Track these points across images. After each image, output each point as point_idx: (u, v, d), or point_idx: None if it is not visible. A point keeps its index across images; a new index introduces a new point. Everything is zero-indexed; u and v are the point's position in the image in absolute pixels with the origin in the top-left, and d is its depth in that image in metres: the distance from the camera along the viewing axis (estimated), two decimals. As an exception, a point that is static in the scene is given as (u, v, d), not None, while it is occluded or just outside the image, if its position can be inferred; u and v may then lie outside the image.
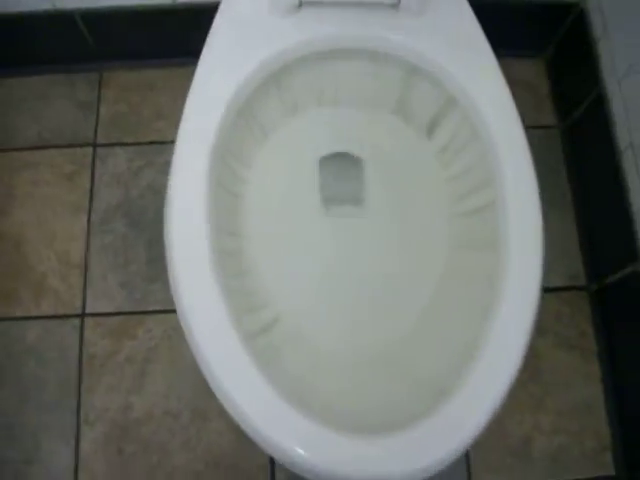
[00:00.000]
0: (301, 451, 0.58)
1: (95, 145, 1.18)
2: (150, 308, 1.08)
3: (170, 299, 0.67)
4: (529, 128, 1.16)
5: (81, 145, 1.18)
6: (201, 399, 1.02)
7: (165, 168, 0.97)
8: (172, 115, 1.14)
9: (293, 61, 0.77)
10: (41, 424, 1.02)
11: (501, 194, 0.69)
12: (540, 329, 1.05)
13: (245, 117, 0.81)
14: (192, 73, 0.75)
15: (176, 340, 1.05)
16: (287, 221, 0.85)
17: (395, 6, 0.74)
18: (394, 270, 0.83)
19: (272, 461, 1.00)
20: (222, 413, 0.62)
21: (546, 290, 1.08)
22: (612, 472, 1.01)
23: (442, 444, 0.59)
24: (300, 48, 0.75)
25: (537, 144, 1.16)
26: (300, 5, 0.74)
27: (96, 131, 1.19)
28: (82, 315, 1.08)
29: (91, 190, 1.15)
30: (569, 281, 1.10)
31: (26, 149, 1.18)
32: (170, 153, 0.71)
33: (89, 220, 1.13)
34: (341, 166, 0.90)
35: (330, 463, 0.58)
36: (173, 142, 0.71)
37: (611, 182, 1.01)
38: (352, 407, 0.70)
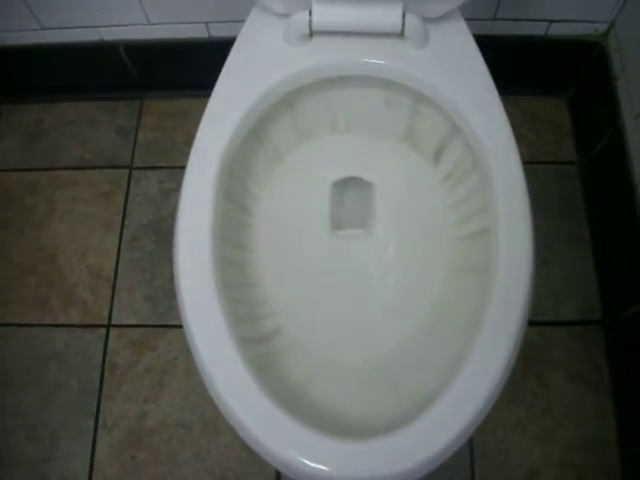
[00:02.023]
0: (293, 455, 0.60)
1: (131, 168, 1.26)
2: (171, 322, 1.13)
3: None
4: (550, 164, 1.21)
5: (118, 167, 1.27)
6: (213, 412, 1.05)
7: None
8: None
9: (304, 86, 0.81)
10: (61, 426, 1.07)
11: (494, 220, 0.71)
12: (553, 362, 1.06)
13: (259, 138, 0.86)
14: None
15: (193, 354, 1.10)
16: (295, 239, 0.89)
17: (400, 36, 0.78)
18: (394, 290, 0.86)
19: (278, 475, 1.02)
20: (232, 427, 0.65)
21: (562, 323, 1.09)
22: (620, 510, 0.99)
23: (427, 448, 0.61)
24: (310, 74, 0.80)
25: (557, 180, 1.20)
26: (311, 35, 0.80)
27: (133, 155, 1.27)
28: (108, 326, 1.13)
29: (124, 209, 1.23)
30: (585, 315, 1.10)
31: (69, 169, 1.27)
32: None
33: (121, 236, 1.20)
34: (352, 190, 0.93)
35: (320, 467, 0.60)
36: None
37: (627, 216, 1.01)
38: (346, 415, 0.73)
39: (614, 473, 1.00)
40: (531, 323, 1.06)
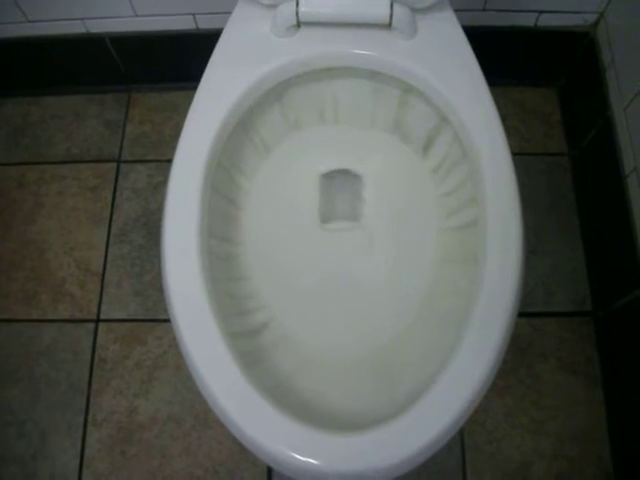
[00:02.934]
0: (283, 450, 0.60)
1: (119, 161, 1.25)
2: (160, 317, 1.12)
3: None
4: (540, 155, 1.21)
5: (106, 161, 1.25)
6: (203, 406, 1.04)
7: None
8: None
9: (292, 78, 0.81)
10: (50, 422, 1.06)
11: (483, 212, 0.71)
12: (544, 353, 1.07)
13: (247, 129, 0.85)
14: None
15: (183, 348, 1.09)
16: (284, 231, 0.89)
17: (388, 27, 0.77)
18: (385, 282, 0.85)
19: (270, 470, 1.02)
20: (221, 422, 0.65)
21: (552, 315, 1.09)
22: (612, 500, 1.00)
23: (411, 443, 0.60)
24: (298, 66, 0.79)
25: (548, 171, 1.19)
26: (299, 26, 0.79)
27: (121, 148, 1.26)
28: (97, 320, 1.13)
29: (112, 203, 1.22)
30: (576, 306, 1.10)
31: (57, 163, 1.26)
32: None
33: (109, 231, 1.19)
34: (341, 182, 0.93)
35: (311, 460, 0.60)
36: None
37: (617, 207, 1.02)
38: (333, 408, 0.73)
39: (605, 463, 1.01)
40: (522, 314, 1.08)
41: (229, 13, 0.83)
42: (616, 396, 1.03)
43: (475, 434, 1.02)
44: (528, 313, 1.09)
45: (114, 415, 1.06)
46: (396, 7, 0.75)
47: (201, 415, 1.05)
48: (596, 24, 1.10)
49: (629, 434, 0.99)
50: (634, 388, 0.98)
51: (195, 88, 0.79)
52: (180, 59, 1.21)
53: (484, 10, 1.09)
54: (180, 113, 1.24)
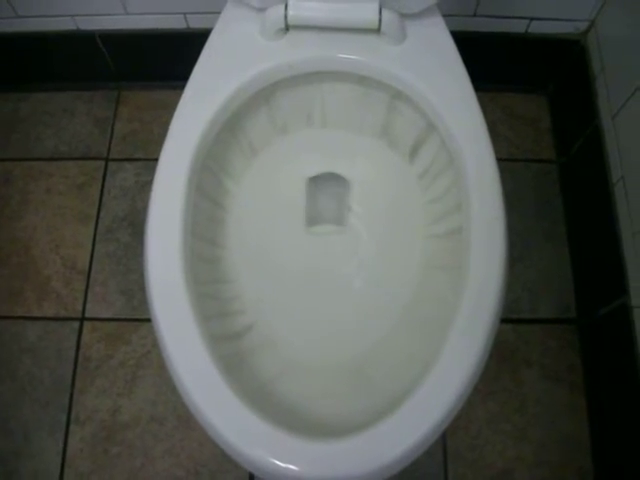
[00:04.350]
0: (263, 455, 0.60)
1: (107, 159, 1.25)
2: (145, 316, 1.11)
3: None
4: (528, 161, 1.21)
5: (94, 158, 1.25)
6: (187, 407, 1.04)
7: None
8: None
9: (280, 81, 0.80)
10: (33, 420, 1.06)
11: (467, 220, 0.71)
12: (528, 359, 1.07)
13: (234, 132, 0.85)
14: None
15: (168, 348, 1.09)
16: (270, 235, 0.88)
17: (377, 32, 0.77)
18: (368, 287, 0.85)
19: (252, 473, 1.02)
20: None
21: (537, 321, 1.10)
22: (593, 507, 1.00)
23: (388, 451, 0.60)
24: (285, 69, 0.79)
25: (535, 177, 1.20)
26: (287, 29, 0.79)
27: (109, 146, 1.26)
28: (81, 319, 1.12)
29: (100, 201, 1.21)
30: (561, 314, 1.10)
31: (44, 159, 1.25)
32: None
33: (96, 229, 1.19)
34: (328, 186, 0.93)
35: (291, 467, 0.60)
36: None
37: (603, 215, 1.02)
38: (315, 413, 0.73)
39: (586, 471, 1.01)
40: (507, 320, 1.08)
41: (220, 13, 0.82)
42: (598, 404, 1.03)
43: (457, 440, 1.02)
44: (513, 319, 1.09)
45: (97, 414, 1.06)
46: (385, 12, 0.75)
47: (184, 416, 1.05)
48: (587, 32, 1.10)
49: (610, 442, 1.00)
50: (616, 397, 0.99)
51: (184, 87, 0.79)
52: (170, 58, 1.20)
53: (475, 16, 1.09)
54: (170, 112, 1.20)
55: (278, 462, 0.59)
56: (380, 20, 0.75)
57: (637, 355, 0.90)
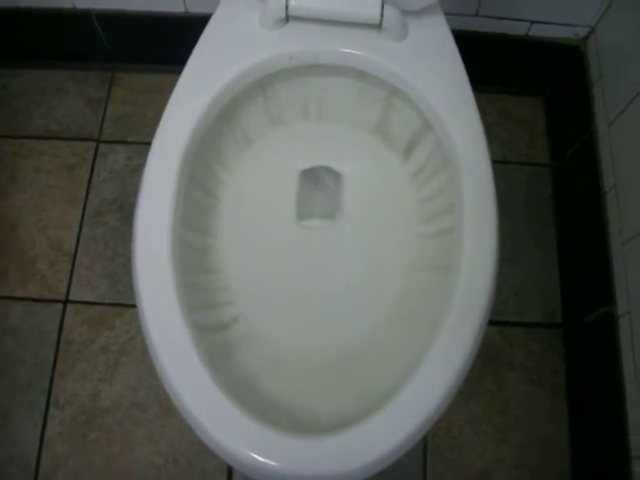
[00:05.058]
0: (242, 449, 0.59)
1: (98, 141, 1.23)
2: (130, 302, 1.10)
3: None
4: (522, 164, 1.21)
5: (85, 139, 1.23)
6: (168, 395, 1.04)
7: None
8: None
9: (278, 72, 0.80)
10: (12, 401, 1.05)
11: (460, 220, 0.70)
12: (512, 362, 1.07)
13: (229, 121, 0.84)
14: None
15: (152, 335, 1.08)
16: (260, 227, 0.88)
17: (378, 27, 0.76)
18: (357, 283, 0.85)
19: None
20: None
21: (523, 324, 1.10)
22: (570, 511, 1.01)
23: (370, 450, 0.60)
24: (284, 59, 0.78)
25: (528, 181, 1.20)
26: (287, 20, 0.78)
27: (101, 128, 1.24)
28: (65, 301, 1.11)
29: (89, 183, 1.20)
30: (546, 318, 1.11)
31: (34, 138, 1.24)
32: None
33: (84, 211, 1.18)
34: (320, 180, 0.92)
35: (270, 462, 0.59)
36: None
37: (594, 222, 1.02)
38: (299, 408, 0.72)
39: (565, 475, 1.02)
40: (493, 323, 1.08)
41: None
42: (580, 409, 1.04)
43: (438, 439, 1.03)
44: (499, 322, 1.09)
45: (77, 398, 1.05)
46: (387, 8, 0.75)
47: (165, 403, 1.04)
48: (587, 38, 1.10)
49: (590, 448, 1.00)
50: (597, 403, 0.99)
51: (181, 72, 0.78)
52: (167, 41, 1.18)
53: (476, 15, 1.08)
54: (164, 96, 1.18)
55: (257, 456, 0.59)
56: (382, 15, 0.75)
57: (620, 363, 0.91)
